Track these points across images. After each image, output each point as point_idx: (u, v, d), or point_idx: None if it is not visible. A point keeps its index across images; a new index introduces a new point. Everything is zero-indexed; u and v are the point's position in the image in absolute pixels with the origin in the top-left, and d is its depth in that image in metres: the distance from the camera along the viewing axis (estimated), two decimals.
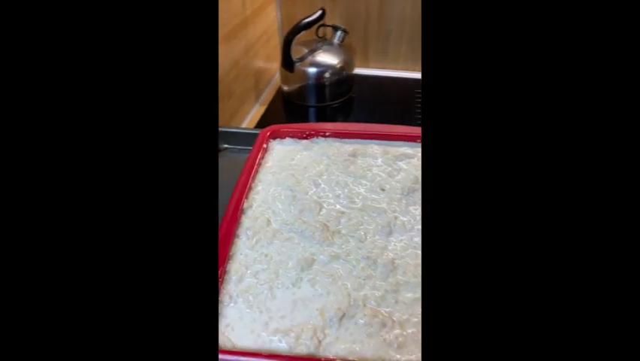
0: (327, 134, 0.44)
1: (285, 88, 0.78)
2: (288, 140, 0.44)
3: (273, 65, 0.84)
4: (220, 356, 0.24)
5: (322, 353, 0.25)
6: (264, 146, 0.43)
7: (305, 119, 0.74)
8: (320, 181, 0.39)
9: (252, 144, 0.43)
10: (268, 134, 0.44)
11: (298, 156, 0.42)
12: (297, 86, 0.75)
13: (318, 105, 0.76)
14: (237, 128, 0.51)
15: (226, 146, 0.51)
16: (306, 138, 0.44)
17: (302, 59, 0.72)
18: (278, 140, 0.44)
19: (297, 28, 0.70)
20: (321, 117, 0.74)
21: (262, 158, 0.42)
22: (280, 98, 0.79)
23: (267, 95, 0.79)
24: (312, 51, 0.73)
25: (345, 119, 0.75)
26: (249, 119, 0.72)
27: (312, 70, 0.73)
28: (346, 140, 0.44)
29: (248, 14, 0.68)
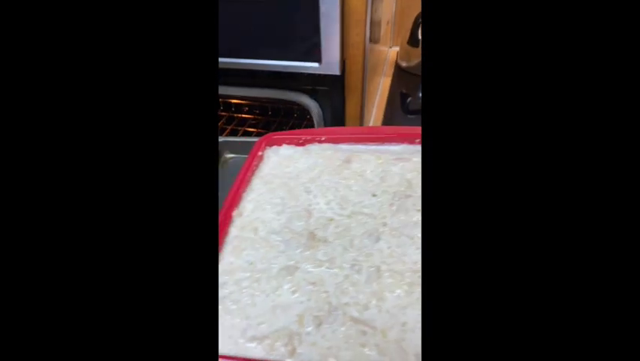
0: (323, 139, 0.45)
1: (404, 64, 0.95)
2: (284, 147, 0.45)
3: (386, 47, 1.04)
4: None
5: (296, 359, 0.25)
6: (259, 154, 0.43)
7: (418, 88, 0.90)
8: (312, 188, 0.39)
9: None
10: (264, 143, 0.45)
11: (293, 164, 0.42)
12: (418, 60, 0.91)
13: None
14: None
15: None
16: (302, 145, 0.45)
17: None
18: (275, 147, 0.45)
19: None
20: None
21: (257, 166, 0.42)
22: (397, 72, 0.97)
23: (387, 70, 0.99)
24: None
25: None
26: (381, 88, 0.88)
27: None
28: (342, 145, 0.44)
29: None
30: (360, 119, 0.63)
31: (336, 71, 0.55)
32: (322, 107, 0.63)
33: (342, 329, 0.27)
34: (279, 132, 0.46)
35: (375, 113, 0.76)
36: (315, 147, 0.44)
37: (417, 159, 0.40)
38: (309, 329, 0.27)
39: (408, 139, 0.42)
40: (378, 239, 0.33)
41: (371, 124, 0.71)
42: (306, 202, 0.37)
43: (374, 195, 0.38)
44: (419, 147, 0.42)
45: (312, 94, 0.63)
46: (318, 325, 0.27)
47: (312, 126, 0.71)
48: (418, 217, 0.35)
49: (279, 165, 0.43)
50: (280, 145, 0.45)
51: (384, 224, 0.34)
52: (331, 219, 0.35)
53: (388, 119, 0.75)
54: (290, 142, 0.45)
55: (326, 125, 0.63)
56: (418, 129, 0.44)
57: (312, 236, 0.33)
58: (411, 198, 0.37)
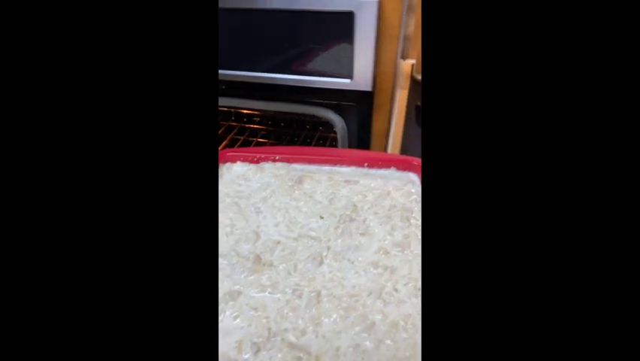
0: (277, 158, 0.46)
1: (419, 77, 0.93)
2: (239, 164, 0.46)
3: (401, 61, 1.04)
4: None
5: None
6: None
7: None
8: (262, 208, 0.40)
9: None
10: (218, 159, 0.45)
11: (246, 183, 0.43)
12: None
13: None
14: None
15: None
16: (256, 163, 0.46)
17: None
18: (228, 164, 0.46)
19: None
20: None
21: None
22: (413, 84, 0.93)
23: (403, 82, 0.96)
24: None
25: None
26: (398, 101, 0.85)
27: None
28: (296, 164, 0.46)
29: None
30: (387, 136, 0.61)
31: (368, 88, 0.53)
32: (347, 123, 0.62)
33: (279, 355, 0.29)
34: (233, 149, 0.47)
35: (394, 127, 0.75)
36: (269, 165, 0.46)
37: (364, 182, 0.43)
38: (247, 356, 0.28)
39: (357, 162, 0.44)
40: (321, 263, 0.35)
41: (391, 138, 0.71)
42: (255, 224, 0.39)
43: (321, 218, 0.39)
44: (366, 170, 0.44)
45: (337, 109, 0.61)
46: (257, 351, 0.29)
47: (326, 139, 0.70)
48: (359, 241, 0.37)
49: (232, 183, 0.43)
50: (234, 162, 0.46)
51: (328, 248, 0.36)
52: (278, 242, 0.37)
53: (405, 132, 0.74)
54: (244, 159, 0.46)
55: (351, 141, 0.62)
56: (369, 153, 0.46)
57: (257, 260, 0.35)
58: (355, 222, 0.39)
